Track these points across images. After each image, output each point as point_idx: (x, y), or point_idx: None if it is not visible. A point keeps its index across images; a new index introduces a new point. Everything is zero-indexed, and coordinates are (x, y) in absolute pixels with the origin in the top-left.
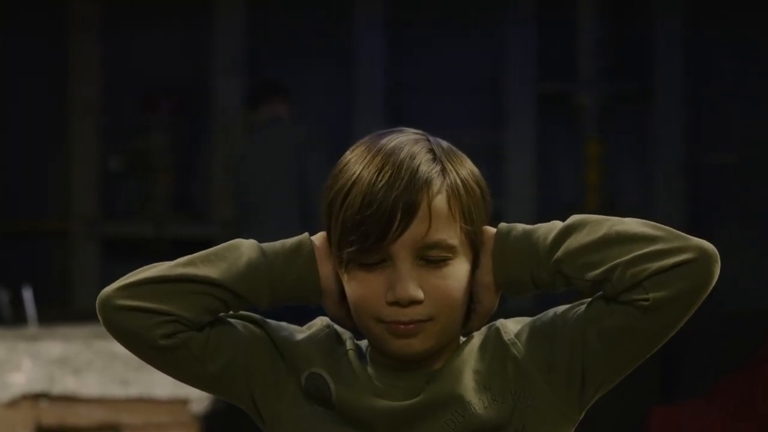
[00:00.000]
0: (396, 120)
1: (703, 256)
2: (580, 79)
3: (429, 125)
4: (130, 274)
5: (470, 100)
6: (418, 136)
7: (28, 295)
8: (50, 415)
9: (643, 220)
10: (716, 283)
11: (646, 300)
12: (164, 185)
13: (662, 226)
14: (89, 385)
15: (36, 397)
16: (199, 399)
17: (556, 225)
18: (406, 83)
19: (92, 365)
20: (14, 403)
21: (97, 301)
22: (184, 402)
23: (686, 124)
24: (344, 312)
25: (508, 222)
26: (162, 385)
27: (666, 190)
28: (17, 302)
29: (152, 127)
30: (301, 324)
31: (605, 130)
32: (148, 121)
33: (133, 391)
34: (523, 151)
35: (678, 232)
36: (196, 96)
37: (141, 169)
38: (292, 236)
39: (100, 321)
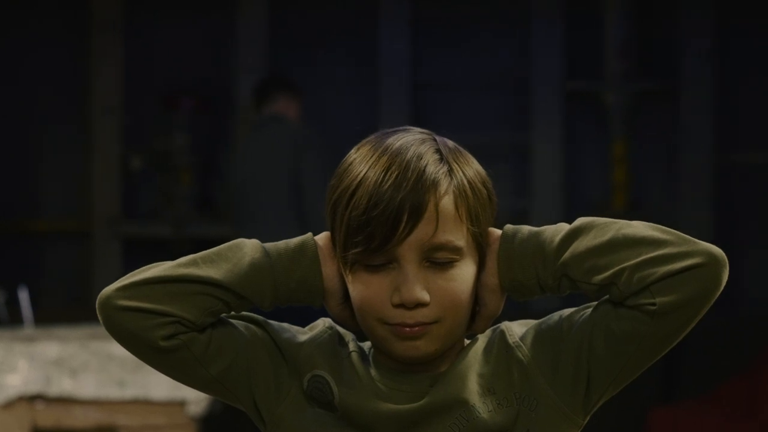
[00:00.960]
0: (421, 119)
1: (712, 261)
2: (607, 78)
3: (454, 124)
4: (131, 273)
5: (496, 99)
6: (424, 136)
7: (24, 295)
8: (46, 416)
9: (652, 224)
10: (748, 284)
11: (653, 305)
12: (185, 185)
13: (670, 229)
14: (85, 387)
15: (32, 399)
16: (196, 401)
17: (563, 228)
18: (430, 82)
19: (89, 366)
20: (10, 404)
21: (97, 301)
22: (181, 404)
23: (714, 123)
24: (347, 313)
25: (520, 224)
26: (159, 386)
27: (693, 190)
28: (18, 303)
29: (173, 127)
30: (304, 325)
31: (632, 129)
32: (169, 121)
33: (130, 392)
34: (549, 150)
35: (686, 236)
36: (217, 95)
37: (162, 168)
38: (288, 236)
39: (100, 321)
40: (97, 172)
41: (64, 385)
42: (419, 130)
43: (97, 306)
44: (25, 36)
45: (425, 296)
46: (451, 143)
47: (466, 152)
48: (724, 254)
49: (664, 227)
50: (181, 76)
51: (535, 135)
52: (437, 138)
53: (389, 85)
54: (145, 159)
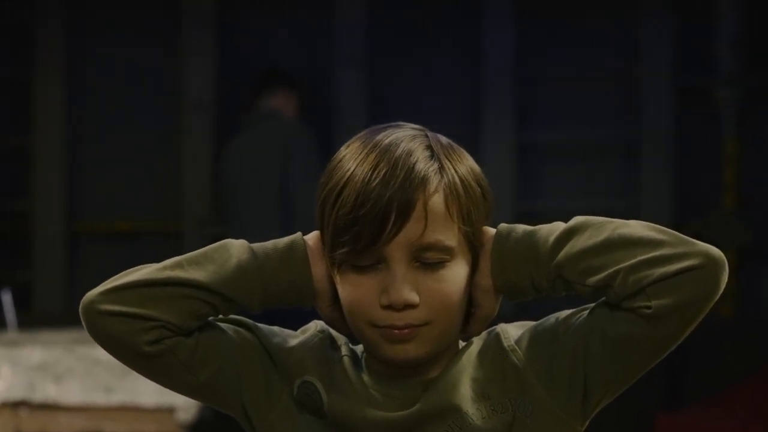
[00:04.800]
0: (526, 115)
1: (710, 262)
2: (720, 74)
3: (560, 121)
4: (115, 276)
5: (604, 95)
6: (416, 132)
7: (7, 298)
8: (30, 423)
9: (649, 223)
10: None
11: (649, 308)
12: None
13: (668, 230)
14: (71, 393)
15: (16, 405)
16: (185, 407)
17: (558, 227)
18: (536, 77)
19: (74, 372)
20: None
21: (80, 306)
22: (169, 410)
23: None
24: (338, 315)
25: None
26: (147, 392)
27: None
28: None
29: None
30: (294, 328)
31: (745, 127)
32: None
33: (117, 398)
34: (659, 147)
35: (684, 236)
36: (312, 92)
37: None
38: (274, 238)
39: (84, 326)
40: (187, 171)
41: (48, 391)
42: (412, 126)
43: (80, 311)
44: (115, 32)
45: (414, 297)
46: (444, 139)
47: (461, 149)
48: (723, 256)
49: (661, 227)
50: None
51: (644, 132)
52: (430, 134)
53: (493, 81)
54: None
